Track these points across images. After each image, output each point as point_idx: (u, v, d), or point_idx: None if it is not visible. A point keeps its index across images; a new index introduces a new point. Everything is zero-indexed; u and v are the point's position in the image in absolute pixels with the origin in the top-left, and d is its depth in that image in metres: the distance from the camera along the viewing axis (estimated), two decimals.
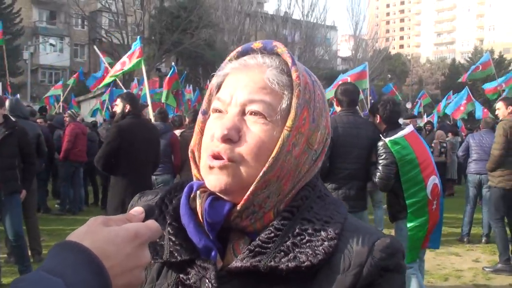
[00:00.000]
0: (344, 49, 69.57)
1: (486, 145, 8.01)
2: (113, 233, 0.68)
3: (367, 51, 56.44)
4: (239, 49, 0.97)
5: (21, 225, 5.66)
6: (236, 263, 0.84)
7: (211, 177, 0.88)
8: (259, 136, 0.87)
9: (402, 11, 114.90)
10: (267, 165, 0.86)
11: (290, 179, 0.89)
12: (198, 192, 0.91)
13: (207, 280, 0.84)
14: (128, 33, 37.16)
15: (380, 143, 4.48)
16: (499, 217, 6.62)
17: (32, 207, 6.65)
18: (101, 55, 13.80)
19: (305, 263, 0.82)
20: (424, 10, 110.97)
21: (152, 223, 0.75)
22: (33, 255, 6.46)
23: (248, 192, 0.86)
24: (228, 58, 0.97)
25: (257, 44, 0.95)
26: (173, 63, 14.02)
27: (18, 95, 16.41)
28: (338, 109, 4.76)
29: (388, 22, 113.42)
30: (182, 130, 8.16)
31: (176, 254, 0.87)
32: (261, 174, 0.85)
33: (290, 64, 0.91)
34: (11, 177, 5.40)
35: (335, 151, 4.40)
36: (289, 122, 0.87)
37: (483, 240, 8.12)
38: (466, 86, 16.22)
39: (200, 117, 0.97)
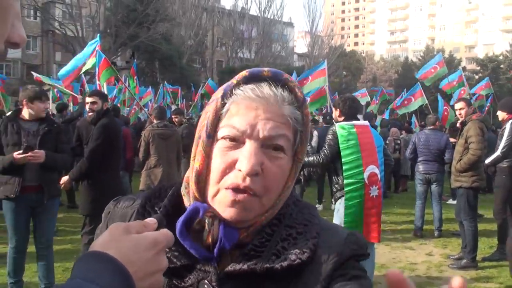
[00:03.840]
0: (301, 45, 70.24)
1: (432, 146, 8.33)
2: (135, 241, 0.76)
3: (323, 48, 57.23)
4: (245, 73, 0.97)
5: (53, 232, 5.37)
6: (234, 266, 0.91)
7: (231, 210, 0.91)
8: (278, 170, 0.93)
9: (357, 9, 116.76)
10: (281, 195, 0.96)
11: (287, 199, 1.00)
12: (206, 219, 0.94)
13: (207, 282, 0.91)
14: (83, 26, 36.34)
15: (331, 128, 5.07)
16: (472, 215, 6.76)
17: None
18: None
19: (296, 261, 0.91)
20: (378, 8, 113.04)
21: (167, 231, 0.82)
22: None
23: (262, 219, 0.95)
24: (234, 81, 0.96)
25: (267, 73, 0.96)
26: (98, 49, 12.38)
27: None
28: None
29: (343, 20, 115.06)
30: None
31: (175, 260, 0.92)
32: (275, 205, 0.96)
33: (301, 100, 0.96)
34: (54, 180, 5.08)
35: None
36: (301, 155, 0.97)
37: (435, 234, 8.42)
38: (418, 82, 16.70)
39: (205, 141, 0.95)
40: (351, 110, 5.06)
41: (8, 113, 5.13)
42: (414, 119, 19.69)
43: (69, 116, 10.62)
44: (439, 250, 7.58)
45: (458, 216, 7.00)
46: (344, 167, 4.78)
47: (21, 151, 4.55)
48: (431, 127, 8.60)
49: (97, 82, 9.03)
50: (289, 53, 60.36)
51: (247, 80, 0.95)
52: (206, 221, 0.94)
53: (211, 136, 0.95)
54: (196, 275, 0.92)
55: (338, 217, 4.91)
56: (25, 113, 4.90)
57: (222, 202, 0.92)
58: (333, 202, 5.23)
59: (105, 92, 8.21)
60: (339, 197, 4.94)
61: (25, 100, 4.83)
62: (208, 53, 51.16)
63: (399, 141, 13.46)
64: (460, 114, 7.06)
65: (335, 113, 5.22)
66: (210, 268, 0.92)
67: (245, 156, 0.90)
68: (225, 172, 0.92)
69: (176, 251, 0.93)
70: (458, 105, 7.17)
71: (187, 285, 0.92)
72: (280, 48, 54.81)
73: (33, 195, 4.80)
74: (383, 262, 6.78)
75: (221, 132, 0.93)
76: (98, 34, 10.41)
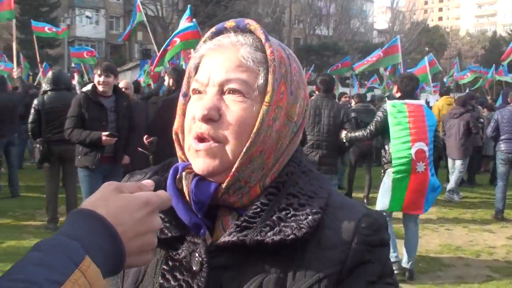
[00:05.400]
0: (381, 21, 68.29)
1: None
2: (125, 201, 0.74)
3: (404, 24, 55.39)
4: (213, 29, 0.99)
5: None
6: (224, 238, 0.88)
7: (198, 160, 0.91)
8: (239, 114, 0.89)
9: None
10: (249, 140, 0.88)
11: (272, 153, 0.92)
12: (184, 173, 0.93)
13: (197, 255, 0.88)
14: (163, 5, 37.21)
15: (384, 104, 5.47)
16: None
17: (74, 175, 6.74)
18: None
19: (290, 236, 0.84)
20: None
21: (162, 192, 0.80)
22: None
23: (233, 169, 0.88)
24: (202, 39, 0.99)
25: (230, 23, 0.97)
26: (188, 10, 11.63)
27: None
28: (317, 93, 6.35)
29: None
30: None
31: (166, 231, 0.91)
32: (244, 150, 0.88)
33: (263, 41, 0.93)
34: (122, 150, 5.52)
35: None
36: (267, 98, 0.89)
37: None
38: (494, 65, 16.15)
39: (181, 99, 0.99)
40: (407, 88, 5.44)
41: (85, 88, 5.38)
42: (500, 96, 18.71)
43: (147, 93, 10.91)
44: None
45: None
46: (391, 143, 5.13)
47: (107, 133, 4.99)
48: None
49: (157, 50, 8.91)
50: (368, 29, 58.84)
51: (213, 35, 0.98)
52: (184, 177, 0.93)
53: (186, 95, 0.98)
54: (187, 247, 0.90)
55: (384, 190, 5.30)
56: (100, 88, 5.20)
57: (191, 154, 0.93)
58: (382, 174, 5.63)
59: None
60: (386, 169, 5.37)
61: (102, 76, 5.15)
62: (286, 30, 50.85)
63: (482, 119, 12.75)
64: None
65: (394, 89, 5.71)
66: (199, 240, 0.89)
67: (200, 104, 0.90)
68: (191, 124, 0.93)
69: (168, 222, 0.92)
70: None
71: (181, 257, 0.90)
72: (359, 24, 53.50)
73: (108, 165, 5.30)
74: (459, 244, 6.54)
75: (191, 88, 0.96)
76: (189, 6, 10.72)
